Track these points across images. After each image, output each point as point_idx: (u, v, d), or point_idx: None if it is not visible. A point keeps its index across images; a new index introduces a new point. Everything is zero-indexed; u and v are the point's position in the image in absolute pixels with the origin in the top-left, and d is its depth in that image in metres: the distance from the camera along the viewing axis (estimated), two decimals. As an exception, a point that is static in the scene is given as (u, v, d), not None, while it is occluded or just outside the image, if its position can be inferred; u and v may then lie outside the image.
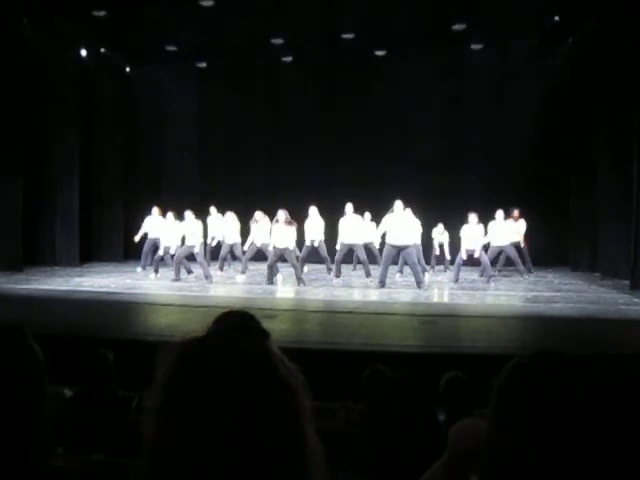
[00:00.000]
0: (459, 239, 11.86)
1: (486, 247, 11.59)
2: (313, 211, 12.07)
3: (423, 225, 12.65)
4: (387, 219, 10.81)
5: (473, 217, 11.64)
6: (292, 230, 11.12)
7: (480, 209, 12.06)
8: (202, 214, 12.87)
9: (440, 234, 13.39)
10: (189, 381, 0.80)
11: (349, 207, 11.95)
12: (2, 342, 1.33)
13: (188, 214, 11.59)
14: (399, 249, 10.71)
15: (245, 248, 12.18)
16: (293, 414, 0.83)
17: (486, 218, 11.91)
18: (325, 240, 12.13)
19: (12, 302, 8.59)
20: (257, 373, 0.81)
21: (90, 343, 5.00)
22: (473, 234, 11.52)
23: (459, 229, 11.95)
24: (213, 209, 13.45)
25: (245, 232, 12.49)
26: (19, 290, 9.75)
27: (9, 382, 1.26)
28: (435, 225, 13.44)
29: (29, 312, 7.51)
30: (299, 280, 10.95)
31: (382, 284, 10.66)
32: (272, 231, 11.26)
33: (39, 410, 1.30)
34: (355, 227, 11.83)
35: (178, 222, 11.98)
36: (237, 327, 0.89)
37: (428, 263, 13.08)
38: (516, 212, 12.40)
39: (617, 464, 1.04)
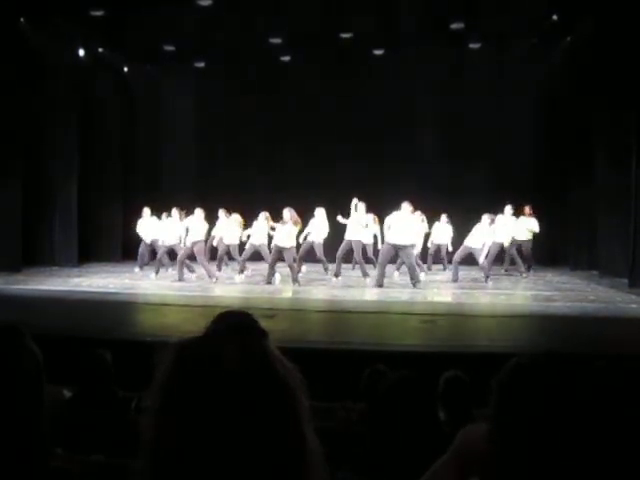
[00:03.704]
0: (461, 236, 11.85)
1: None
2: (319, 212, 12.09)
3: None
4: (390, 218, 10.82)
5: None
6: (293, 229, 11.12)
7: (480, 209, 12.02)
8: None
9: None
10: (187, 381, 0.80)
11: (361, 206, 11.65)
12: (0, 343, 1.33)
13: (198, 211, 11.66)
14: (397, 248, 10.70)
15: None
16: (292, 413, 0.82)
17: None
18: (326, 241, 12.14)
19: (11, 302, 8.56)
20: (256, 372, 0.81)
21: (89, 343, 4.99)
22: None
23: (461, 229, 11.91)
24: (221, 212, 13.24)
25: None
26: (18, 290, 9.73)
27: (7, 383, 1.26)
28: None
29: (27, 312, 7.49)
30: (295, 281, 10.94)
31: (380, 284, 10.65)
32: (276, 231, 11.25)
33: (38, 410, 1.30)
34: (359, 225, 11.77)
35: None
36: (235, 326, 0.89)
37: (425, 262, 13.06)
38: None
39: (618, 463, 1.04)
